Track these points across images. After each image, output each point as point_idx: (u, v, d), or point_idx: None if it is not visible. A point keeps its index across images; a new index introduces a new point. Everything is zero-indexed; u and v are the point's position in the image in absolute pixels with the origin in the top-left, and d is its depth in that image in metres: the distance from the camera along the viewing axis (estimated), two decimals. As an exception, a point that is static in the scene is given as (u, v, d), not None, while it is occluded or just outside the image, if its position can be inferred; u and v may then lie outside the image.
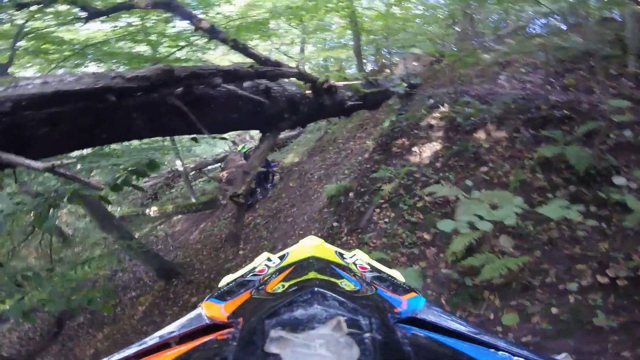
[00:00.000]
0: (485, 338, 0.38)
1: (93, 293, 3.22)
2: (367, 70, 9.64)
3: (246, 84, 2.99)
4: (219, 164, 12.33)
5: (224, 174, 10.52)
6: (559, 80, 5.16)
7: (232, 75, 2.64)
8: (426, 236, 3.82)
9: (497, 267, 2.89)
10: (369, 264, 0.69)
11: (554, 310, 2.73)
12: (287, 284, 0.44)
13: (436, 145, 5.02)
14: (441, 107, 5.68)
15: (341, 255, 0.69)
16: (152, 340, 0.41)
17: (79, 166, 2.87)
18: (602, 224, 3.14)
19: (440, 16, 8.95)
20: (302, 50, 13.32)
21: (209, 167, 12.92)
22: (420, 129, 5.54)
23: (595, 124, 3.79)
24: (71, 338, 7.40)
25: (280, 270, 0.57)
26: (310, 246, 0.69)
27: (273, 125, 3.51)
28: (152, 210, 11.46)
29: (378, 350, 0.26)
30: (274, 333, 0.28)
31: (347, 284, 0.45)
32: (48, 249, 10.30)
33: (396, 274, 0.66)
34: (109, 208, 11.89)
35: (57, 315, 7.74)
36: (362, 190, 5.15)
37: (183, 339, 0.41)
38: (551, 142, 3.99)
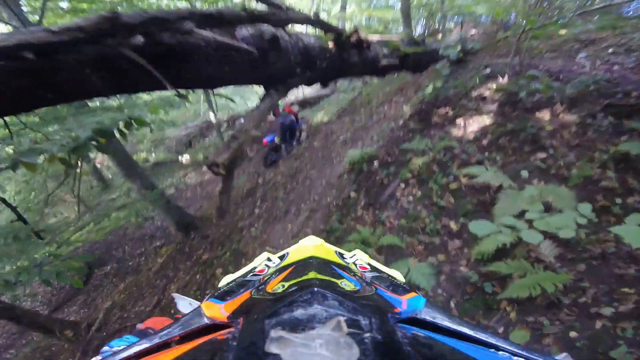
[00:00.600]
0: (486, 338, 0.37)
1: (65, 264, 2.86)
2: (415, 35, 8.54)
3: (247, 31, 2.40)
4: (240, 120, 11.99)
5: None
6: None
7: (214, 19, 2.05)
8: (452, 225, 3.16)
9: (528, 285, 2.26)
10: (369, 264, 0.67)
11: (572, 334, 2.16)
12: (287, 284, 0.43)
13: (486, 120, 4.18)
14: (500, 79, 4.75)
15: (341, 255, 0.68)
16: (152, 340, 0.41)
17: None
18: None
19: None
20: (343, 8, 12.18)
21: (242, 121, 12.53)
22: (469, 99, 4.68)
23: None
24: (96, 288, 7.45)
25: (280, 270, 0.56)
26: (310, 246, 0.67)
27: (279, 81, 2.90)
28: (185, 158, 11.38)
29: (378, 350, 0.26)
30: (274, 333, 0.28)
31: (347, 284, 0.44)
32: (86, 194, 10.56)
33: (396, 274, 0.65)
34: (142, 155, 11.99)
35: (87, 263, 7.98)
36: (389, 160, 4.47)
37: (183, 339, 0.40)
38: (636, 137, 3.10)
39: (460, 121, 4.41)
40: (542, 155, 3.34)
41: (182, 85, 2.31)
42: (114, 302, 6.26)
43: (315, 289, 0.36)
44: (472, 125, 4.26)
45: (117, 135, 2.28)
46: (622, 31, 5.16)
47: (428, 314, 0.42)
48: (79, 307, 7.01)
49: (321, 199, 5.07)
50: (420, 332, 0.34)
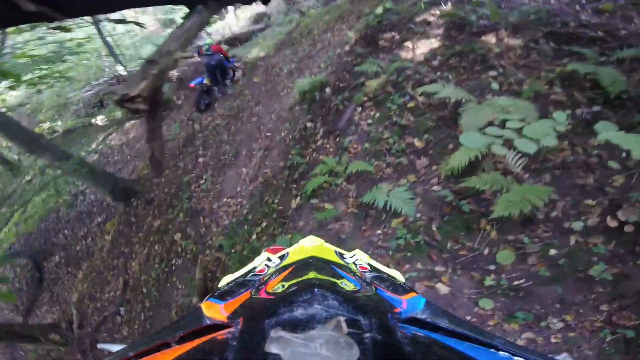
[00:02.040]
0: (486, 338, 0.36)
1: None
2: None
3: None
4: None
5: (174, 72, 8.90)
6: (591, 4, 4.30)
7: None
8: (417, 143, 3.14)
9: (516, 201, 2.23)
10: (369, 264, 0.66)
11: (552, 251, 2.29)
12: (287, 284, 0.42)
13: (434, 43, 4.11)
14: (442, 5, 4.67)
15: (341, 255, 0.68)
16: (151, 340, 0.39)
17: None
18: (623, 152, 2.52)
19: None
20: None
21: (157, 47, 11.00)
22: (415, 24, 4.55)
23: (637, 51, 3.09)
24: (55, 281, 6.44)
25: (280, 270, 0.55)
26: (310, 246, 0.67)
27: None
28: (100, 119, 9.77)
29: (378, 350, 0.26)
30: (274, 333, 0.27)
31: (347, 284, 0.44)
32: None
33: (396, 274, 0.64)
34: (45, 126, 10.00)
35: (31, 258, 6.90)
36: (342, 85, 4.25)
37: (183, 339, 0.37)
38: (577, 60, 3.28)
39: (408, 44, 4.29)
40: (492, 73, 3.40)
41: (68, 10, 1.72)
42: (80, 294, 5.57)
43: (315, 289, 0.35)
44: (421, 47, 4.17)
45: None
46: None
47: (428, 314, 0.42)
48: (48, 307, 6.13)
49: (274, 135, 4.74)
50: (420, 332, 0.34)
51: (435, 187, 2.80)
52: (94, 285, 5.52)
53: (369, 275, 0.59)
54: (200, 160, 5.68)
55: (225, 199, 4.56)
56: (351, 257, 0.68)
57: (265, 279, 0.55)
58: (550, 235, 2.38)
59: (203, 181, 5.26)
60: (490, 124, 2.60)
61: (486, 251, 2.43)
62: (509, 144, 2.36)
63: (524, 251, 2.36)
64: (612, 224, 2.29)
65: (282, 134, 4.52)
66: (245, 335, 0.31)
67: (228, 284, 0.59)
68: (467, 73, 3.53)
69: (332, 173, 3.25)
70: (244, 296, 0.48)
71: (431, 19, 4.58)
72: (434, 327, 0.39)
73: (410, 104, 3.42)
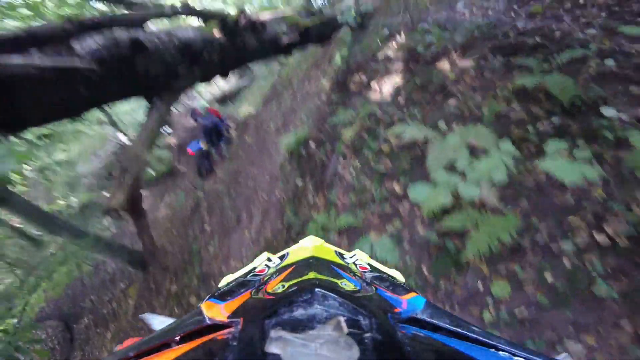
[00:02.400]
0: (486, 338, 0.37)
1: (15, 339, 2.59)
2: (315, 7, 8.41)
3: (94, 42, 2.03)
4: (164, 129, 11.12)
5: (173, 140, 9.45)
6: (523, 8, 4.47)
7: (28, 41, 1.69)
8: (397, 188, 3.32)
9: (484, 239, 2.33)
10: (369, 264, 0.67)
11: (548, 276, 2.29)
12: (287, 284, 0.43)
13: (396, 79, 4.36)
14: (398, 37, 4.93)
15: (341, 255, 0.68)
16: (151, 340, 0.41)
17: None
18: (596, 164, 2.50)
19: None
20: None
21: (125, 152, 11.59)
22: (377, 61, 4.82)
23: (576, 52, 3.21)
24: (85, 341, 6.90)
25: (280, 271, 0.56)
26: (310, 246, 0.67)
27: (161, 88, 2.55)
28: (110, 193, 10.35)
29: (378, 350, 0.26)
30: (274, 333, 0.27)
31: (347, 284, 0.44)
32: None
33: (396, 274, 0.66)
34: (61, 202, 10.72)
35: (62, 320, 7.43)
36: (323, 138, 4.52)
37: (183, 339, 0.39)
38: (525, 71, 3.42)
39: (374, 84, 4.55)
40: (452, 101, 3.59)
41: (30, 124, 1.89)
42: (109, 352, 5.88)
43: (315, 289, 0.35)
44: (386, 85, 4.41)
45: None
46: None
47: (428, 314, 0.42)
48: None
49: (269, 196, 5.01)
50: (420, 332, 0.35)
51: (420, 230, 2.94)
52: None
53: (369, 275, 0.59)
54: (206, 227, 6.02)
55: (232, 262, 4.82)
56: (351, 257, 0.68)
57: (266, 279, 0.55)
58: (541, 259, 2.38)
59: (211, 247, 5.57)
60: (455, 160, 2.77)
61: (481, 286, 2.50)
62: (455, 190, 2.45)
63: (518, 280, 2.37)
64: (601, 238, 2.28)
65: (277, 194, 4.79)
66: (245, 336, 0.32)
67: (228, 284, 0.59)
68: (430, 105, 3.73)
69: (324, 229, 3.45)
70: (244, 296, 0.48)
71: (390, 53, 4.85)
72: (434, 327, 0.39)
73: (385, 148, 3.63)
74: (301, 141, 4.77)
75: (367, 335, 0.28)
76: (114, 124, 7.88)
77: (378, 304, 0.42)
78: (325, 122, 4.72)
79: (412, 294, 0.51)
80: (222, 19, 2.92)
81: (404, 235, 2.99)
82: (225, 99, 10.76)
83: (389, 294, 0.49)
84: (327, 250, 0.66)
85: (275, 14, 4.01)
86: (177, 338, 0.40)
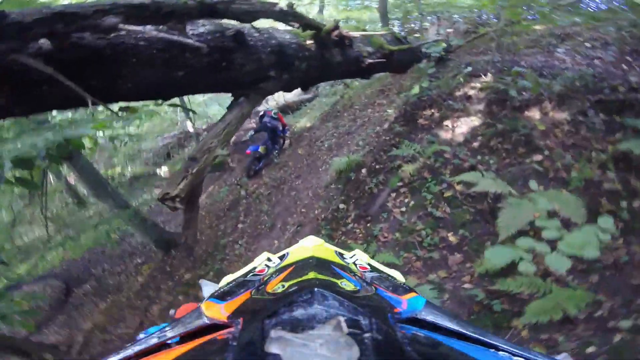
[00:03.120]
0: (486, 338, 0.37)
1: (10, 306, 2.52)
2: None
3: (204, 28, 2.02)
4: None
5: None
6: (638, 60, 3.97)
7: (150, 12, 1.63)
8: (451, 238, 2.93)
9: (548, 308, 2.01)
10: (369, 264, 0.67)
11: (590, 349, 1.94)
12: (287, 284, 0.43)
13: (474, 121, 3.98)
14: (483, 77, 4.57)
15: (341, 255, 0.68)
16: (152, 340, 0.40)
17: None
18: None
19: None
20: (321, 11, 12.00)
21: (199, 143, 12.12)
22: (454, 99, 4.48)
23: None
24: (77, 307, 6.95)
25: (280, 270, 0.56)
26: (310, 246, 0.67)
27: (250, 87, 2.47)
28: (163, 171, 10.84)
29: (378, 350, 0.26)
30: (274, 333, 0.27)
31: (347, 284, 0.44)
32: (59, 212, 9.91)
33: (396, 274, 0.65)
34: (117, 170, 11.40)
35: (65, 283, 7.61)
36: (377, 167, 4.22)
37: (183, 339, 0.40)
38: (632, 134, 2.95)
39: (447, 123, 4.21)
40: (537, 157, 3.16)
41: (122, 98, 1.90)
42: (94, 324, 5.84)
43: (315, 289, 0.35)
44: (461, 126, 4.06)
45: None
46: (594, 25, 5.10)
47: (428, 314, 0.42)
48: (58, 328, 6.50)
49: (308, 212, 4.78)
50: (420, 332, 0.34)
51: (467, 285, 2.60)
52: (111, 320, 5.72)
53: (369, 275, 0.59)
54: (239, 226, 5.95)
55: None
56: (351, 257, 0.68)
57: (266, 279, 0.55)
58: (591, 334, 2.05)
59: (238, 246, 5.45)
60: (531, 224, 2.36)
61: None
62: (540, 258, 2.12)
63: (557, 348, 2.03)
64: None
65: (316, 212, 4.56)
66: (245, 336, 0.32)
67: (228, 284, 0.60)
68: (510, 157, 3.31)
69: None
70: (244, 296, 0.48)
71: (471, 92, 4.49)
72: (434, 327, 0.39)
73: (447, 193, 3.26)
74: (353, 166, 4.52)
75: (367, 335, 0.27)
76: (186, 111, 8.15)
77: (378, 304, 0.42)
78: (383, 153, 4.43)
79: (412, 294, 0.50)
80: (317, 29, 2.84)
81: (447, 286, 2.64)
82: (286, 109, 10.89)
83: (389, 294, 0.49)
84: (327, 250, 0.66)
85: (364, 34, 3.87)
86: (177, 338, 0.40)
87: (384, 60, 3.92)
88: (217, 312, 0.44)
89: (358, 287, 0.45)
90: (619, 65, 3.94)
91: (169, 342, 0.40)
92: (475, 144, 3.66)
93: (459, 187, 3.23)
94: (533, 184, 2.60)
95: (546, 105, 3.58)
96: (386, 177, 3.96)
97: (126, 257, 7.64)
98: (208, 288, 1.04)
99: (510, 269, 2.38)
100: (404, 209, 3.41)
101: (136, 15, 1.57)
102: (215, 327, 0.40)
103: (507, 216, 2.43)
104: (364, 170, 4.33)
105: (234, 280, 0.62)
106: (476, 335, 0.37)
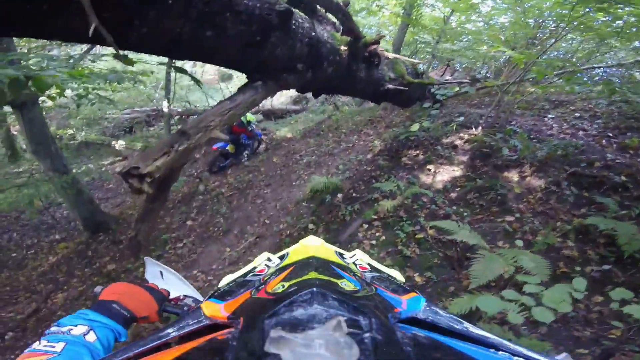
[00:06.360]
0: (485, 338, 0.38)
1: None
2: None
3: None
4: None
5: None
6: (619, 137, 4.48)
7: None
8: (417, 278, 3.11)
9: None
10: (369, 264, 0.69)
11: None
12: (287, 284, 0.44)
13: (456, 171, 4.29)
14: (473, 129, 4.94)
15: (341, 255, 0.70)
16: (151, 340, 0.41)
17: None
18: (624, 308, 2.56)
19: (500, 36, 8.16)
20: None
21: (195, 117, 11.87)
22: (442, 146, 4.80)
23: None
24: None
25: (280, 270, 0.57)
26: (310, 246, 0.68)
27: (272, 74, 2.36)
28: (119, 144, 10.42)
29: (378, 350, 0.27)
30: (273, 333, 0.28)
31: (347, 284, 0.46)
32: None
33: (396, 274, 0.69)
34: (69, 131, 10.77)
35: None
36: (354, 195, 4.40)
37: (183, 339, 0.41)
38: (597, 211, 3.32)
39: (430, 167, 4.50)
40: (509, 218, 3.46)
41: (130, 46, 1.65)
42: None
43: (315, 289, 0.36)
44: (442, 174, 4.35)
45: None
46: (589, 96, 5.67)
47: (428, 314, 0.43)
48: None
49: (272, 224, 4.82)
50: (420, 332, 0.35)
51: None
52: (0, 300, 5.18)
53: (369, 275, 0.61)
54: (188, 223, 5.74)
55: (195, 272, 4.47)
56: (351, 257, 0.71)
57: (265, 279, 0.57)
58: None
59: (181, 245, 5.25)
60: (501, 277, 2.59)
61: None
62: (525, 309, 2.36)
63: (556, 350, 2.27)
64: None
65: (281, 226, 4.60)
66: (245, 335, 0.33)
67: (228, 284, 0.61)
68: (484, 213, 3.60)
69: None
70: (244, 296, 0.50)
71: (458, 142, 4.84)
72: (434, 327, 0.40)
73: (419, 235, 3.47)
74: (330, 188, 4.67)
75: (367, 335, 0.28)
76: (167, 91, 7.87)
77: (378, 304, 0.42)
78: (363, 182, 4.62)
79: (412, 294, 0.52)
80: (355, 37, 2.81)
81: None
82: (270, 114, 10.97)
83: (389, 294, 0.50)
84: (327, 250, 0.68)
85: (395, 56, 4.02)
86: (177, 338, 0.41)
87: (401, 89, 4.06)
88: (217, 312, 0.46)
89: (358, 287, 0.46)
90: (600, 141, 4.41)
91: (169, 342, 0.42)
92: (453, 195, 3.93)
93: (431, 232, 3.45)
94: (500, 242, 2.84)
95: (526, 169, 3.94)
96: (362, 207, 4.13)
97: (43, 230, 7.06)
98: (152, 268, 1.03)
99: (471, 315, 2.58)
100: (374, 242, 3.57)
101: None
102: (215, 327, 0.42)
103: (479, 267, 2.64)
104: (340, 195, 4.48)
105: (234, 280, 0.64)
106: (476, 335, 0.39)
